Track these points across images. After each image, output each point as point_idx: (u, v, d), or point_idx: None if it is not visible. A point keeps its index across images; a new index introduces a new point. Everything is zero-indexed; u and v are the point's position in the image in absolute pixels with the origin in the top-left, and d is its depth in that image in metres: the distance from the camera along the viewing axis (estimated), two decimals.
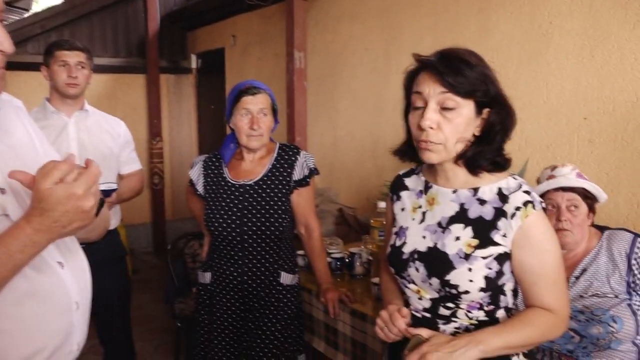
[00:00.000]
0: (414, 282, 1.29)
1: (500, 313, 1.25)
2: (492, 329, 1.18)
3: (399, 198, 1.39)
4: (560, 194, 1.75)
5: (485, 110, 1.18)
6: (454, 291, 1.20)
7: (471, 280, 1.18)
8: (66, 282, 1.05)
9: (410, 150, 1.30)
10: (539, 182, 1.84)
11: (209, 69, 5.77)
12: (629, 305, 1.66)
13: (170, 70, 5.87)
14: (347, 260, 2.39)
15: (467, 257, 1.19)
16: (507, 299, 1.25)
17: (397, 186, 1.42)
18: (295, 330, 2.04)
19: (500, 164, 1.23)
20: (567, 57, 2.27)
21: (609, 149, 2.15)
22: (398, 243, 1.32)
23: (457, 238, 1.22)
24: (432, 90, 1.16)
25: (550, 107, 2.35)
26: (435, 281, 1.22)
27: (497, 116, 1.19)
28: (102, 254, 1.92)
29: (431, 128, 1.16)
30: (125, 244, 4.79)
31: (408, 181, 1.40)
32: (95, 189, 0.90)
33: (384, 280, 1.48)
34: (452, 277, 1.19)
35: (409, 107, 1.26)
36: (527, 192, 1.20)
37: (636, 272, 1.66)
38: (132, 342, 2.50)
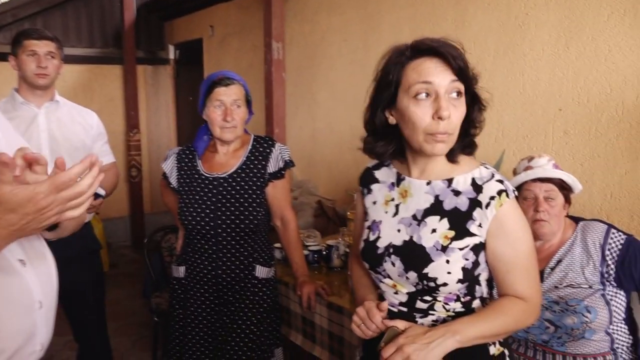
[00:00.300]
0: (389, 277, 1.26)
1: (476, 303, 1.25)
2: (468, 318, 1.17)
3: (369, 191, 1.36)
4: (538, 185, 1.75)
5: (471, 93, 1.19)
6: (432, 284, 1.19)
7: (449, 272, 1.17)
8: (28, 280, 1.01)
9: (390, 146, 1.26)
10: (515, 173, 1.85)
11: (187, 59, 5.69)
12: (603, 295, 1.67)
13: (148, 61, 5.77)
14: (324, 252, 2.38)
15: (444, 249, 1.18)
16: (482, 289, 1.25)
17: (367, 179, 1.38)
18: (272, 323, 2.03)
19: (471, 147, 1.25)
20: (543, 48, 2.28)
21: (583, 140, 2.17)
22: (372, 237, 1.30)
23: (433, 230, 1.21)
24: (442, 78, 1.12)
25: (526, 98, 2.36)
26: (412, 275, 1.20)
27: (477, 110, 1.21)
28: (73, 248, 1.87)
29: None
30: (102, 238, 4.77)
31: (378, 174, 1.36)
32: (69, 194, 0.84)
33: (356, 275, 1.45)
34: (430, 270, 1.18)
35: (392, 97, 1.19)
36: (500, 181, 1.20)
37: (610, 262, 1.67)
38: (107, 338, 2.45)
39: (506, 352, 1.28)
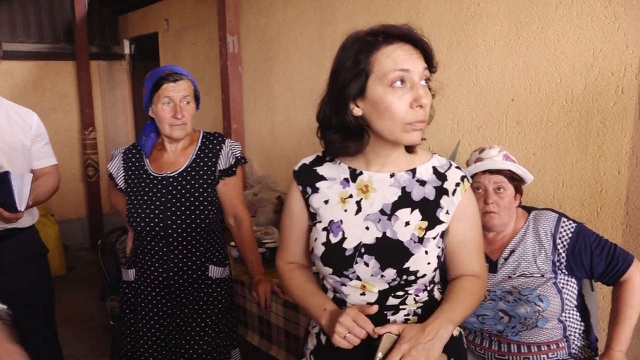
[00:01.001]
0: (358, 278, 1.19)
1: (435, 290, 1.27)
2: (450, 305, 1.19)
3: (315, 190, 1.25)
4: (487, 177, 1.75)
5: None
6: (411, 277, 1.16)
7: (429, 263, 1.17)
8: None
9: (351, 142, 1.16)
10: (467, 164, 1.84)
11: (143, 54, 5.54)
12: (555, 283, 1.69)
13: (102, 56, 5.59)
14: None
15: (421, 240, 1.17)
16: (438, 275, 1.28)
17: (308, 177, 1.27)
18: (228, 324, 1.98)
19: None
20: (495, 39, 2.28)
21: (535, 130, 2.19)
22: (334, 239, 1.20)
23: (407, 223, 1.18)
24: (417, 66, 1.09)
25: (479, 89, 2.37)
26: (390, 272, 1.16)
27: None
28: (14, 254, 1.78)
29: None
30: (58, 241, 4.61)
31: (322, 170, 1.26)
32: None
33: (298, 283, 1.30)
34: (412, 263, 1.16)
35: (362, 89, 1.11)
36: (458, 168, 1.24)
37: (561, 250, 1.69)
38: (59, 347, 2.35)
39: (462, 331, 1.35)
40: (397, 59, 1.08)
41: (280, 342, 2.00)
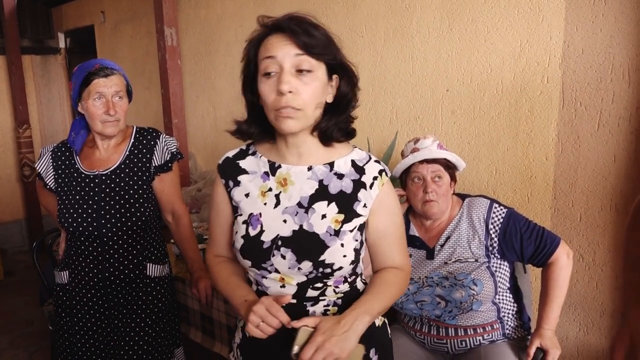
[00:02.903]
0: (277, 271, 1.20)
1: (358, 281, 1.28)
2: (368, 297, 1.19)
3: (237, 183, 1.27)
4: (425, 166, 1.79)
5: (335, 77, 1.17)
6: (327, 270, 1.17)
7: (345, 256, 1.18)
8: None
9: (253, 127, 1.23)
10: (403, 155, 1.87)
11: (80, 48, 5.33)
12: (488, 267, 1.75)
13: (35, 50, 5.35)
14: None
15: (337, 233, 1.18)
16: (360, 267, 1.29)
17: (231, 170, 1.28)
18: (169, 323, 1.94)
19: (351, 133, 1.24)
20: (429, 30, 2.32)
21: (469, 119, 2.25)
22: (253, 232, 1.21)
23: (323, 216, 1.19)
24: (286, 52, 1.10)
25: (416, 80, 2.41)
26: (306, 264, 1.17)
27: (347, 84, 1.19)
28: None
29: (290, 92, 1.10)
30: None
31: (244, 163, 1.28)
32: None
33: (224, 275, 1.32)
34: (327, 256, 1.16)
35: (253, 79, 1.17)
36: (377, 162, 1.25)
37: (493, 235, 1.74)
38: None
39: (386, 321, 1.37)
40: (267, 47, 1.12)
41: (223, 338, 1.98)
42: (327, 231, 1.18)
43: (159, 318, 1.88)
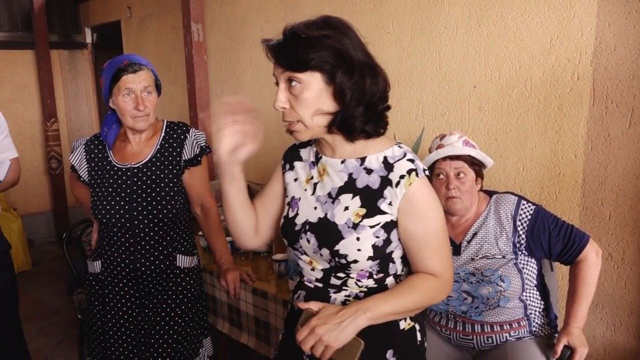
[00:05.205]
0: (306, 253, 1.29)
1: (390, 280, 1.27)
2: (379, 295, 1.19)
3: (292, 168, 1.36)
4: (448, 163, 1.79)
5: (339, 75, 1.14)
6: (343, 261, 1.21)
7: (359, 250, 1.19)
8: None
9: None
10: (430, 151, 1.88)
11: (106, 43, 5.42)
12: (515, 264, 1.74)
13: (63, 45, 5.44)
14: None
15: (355, 226, 1.20)
16: (396, 267, 1.27)
17: (291, 156, 1.38)
18: (198, 313, 1.98)
19: (368, 132, 1.20)
20: (457, 26, 2.32)
21: (496, 116, 2.24)
22: (291, 214, 1.31)
23: (346, 208, 1.22)
24: (277, 71, 1.18)
25: (443, 76, 2.40)
26: (325, 252, 1.22)
27: (346, 78, 1.14)
28: None
29: (284, 108, 1.18)
30: (21, 235, 4.51)
31: (303, 152, 1.37)
32: None
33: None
34: (341, 246, 1.20)
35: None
36: (411, 160, 1.21)
37: (521, 232, 1.74)
38: (25, 347, 2.30)
39: (417, 326, 1.31)
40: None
41: (251, 330, 2.01)
42: (345, 223, 1.21)
43: (188, 308, 1.92)
